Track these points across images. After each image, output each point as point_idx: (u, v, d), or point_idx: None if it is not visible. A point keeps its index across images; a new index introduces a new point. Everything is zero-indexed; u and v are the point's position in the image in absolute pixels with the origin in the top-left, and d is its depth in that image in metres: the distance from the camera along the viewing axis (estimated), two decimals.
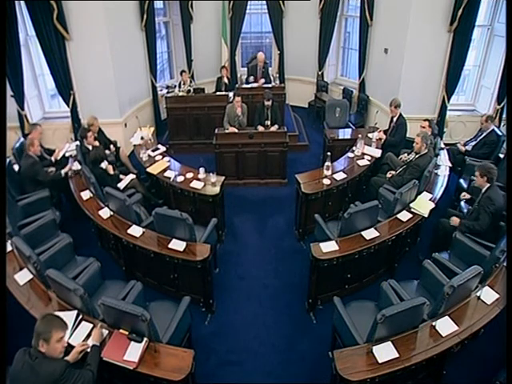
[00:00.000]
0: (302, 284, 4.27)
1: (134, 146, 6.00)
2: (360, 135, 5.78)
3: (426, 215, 4.30)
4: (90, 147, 5.32)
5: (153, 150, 5.75)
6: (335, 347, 3.28)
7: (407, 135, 5.86)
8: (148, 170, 5.34)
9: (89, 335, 2.98)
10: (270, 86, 7.57)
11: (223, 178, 5.06)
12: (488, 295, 3.30)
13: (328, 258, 3.80)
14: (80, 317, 3.14)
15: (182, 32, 8.04)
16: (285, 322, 4.03)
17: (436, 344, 2.96)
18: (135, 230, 4.15)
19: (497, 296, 3.30)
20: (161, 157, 5.62)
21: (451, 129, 7.09)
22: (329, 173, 5.11)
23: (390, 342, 2.95)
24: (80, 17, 6.11)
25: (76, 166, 5.20)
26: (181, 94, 7.23)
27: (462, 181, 5.43)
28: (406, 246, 4.70)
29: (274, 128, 6.32)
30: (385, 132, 6.02)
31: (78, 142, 5.59)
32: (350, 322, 3.20)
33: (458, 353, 3.20)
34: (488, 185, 4.11)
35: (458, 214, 4.49)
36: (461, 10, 5.95)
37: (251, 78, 7.75)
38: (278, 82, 8.23)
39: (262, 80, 7.71)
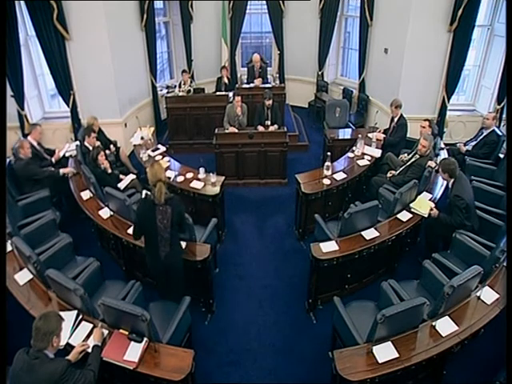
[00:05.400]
0: (302, 284, 4.27)
1: (134, 145, 6.00)
2: (360, 135, 5.78)
3: (426, 215, 4.30)
4: (91, 147, 5.32)
5: (153, 150, 5.75)
6: (335, 347, 3.27)
7: (407, 135, 5.86)
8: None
9: (89, 335, 2.98)
10: (269, 85, 7.57)
11: (223, 178, 5.06)
12: (488, 295, 3.30)
13: (328, 258, 3.80)
14: (80, 317, 3.14)
15: (182, 32, 8.05)
16: (285, 322, 4.03)
17: (436, 344, 2.96)
18: None
19: (497, 296, 3.30)
20: (161, 157, 5.62)
21: (451, 129, 7.09)
22: (329, 173, 5.11)
23: (389, 342, 2.95)
24: (80, 17, 6.11)
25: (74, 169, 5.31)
26: (181, 94, 7.22)
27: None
28: (405, 246, 4.70)
29: (274, 128, 6.33)
30: (385, 131, 6.03)
31: (77, 142, 5.59)
32: (350, 322, 3.19)
33: (458, 353, 3.20)
34: (452, 180, 4.24)
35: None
36: (461, 10, 5.95)
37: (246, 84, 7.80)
38: (277, 81, 8.23)
39: (260, 79, 7.71)
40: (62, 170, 5.19)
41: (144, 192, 3.61)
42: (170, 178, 5.11)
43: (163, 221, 3.28)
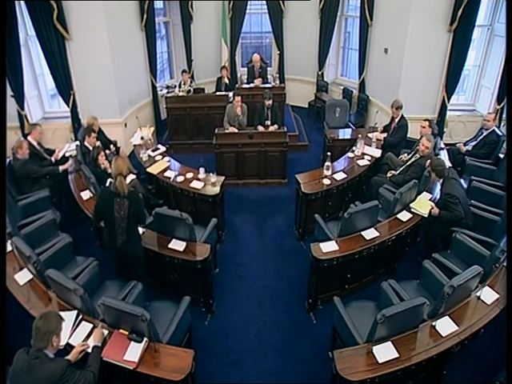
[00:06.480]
0: (302, 284, 4.27)
1: (134, 146, 6.00)
2: (360, 135, 5.78)
3: (426, 215, 4.30)
4: (91, 147, 5.32)
5: (153, 150, 5.75)
6: (335, 347, 3.27)
7: (408, 136, 5.86)
8: (148, 170, 5.34)
9: (89, 335, 2.98)
10: (269, 85, 7.57)
11: (223, 178, 5.06)
12: (488, 295, 3.30)
13: (328, 258, 3.80)
14: (80, 317, 3.14)
15: (182, 32, 8.05)
16: (285, 322, 4.03)
17: (436, 344, 2.96)
18: None
19: (497, 296, 3.30)
20: (161, 157, 5.62)
21: (451, 129, 7.09)
22: (329, 173, 5.11)
23: (389, 342, 2.95)
24: (80, 17, 6.11)
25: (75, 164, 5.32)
26: (181, 94, 7.23)
27: (462, 181, 5.42)
28: (405, 246, 4.70)
29: (274, 128, 6.33)
30: (385, 128, 6.02)
31: (77, 142, 5.59)
32: (350, 322, 3.20)
33: (458, 353, 3.20)
34: (441, 180, 4.34)
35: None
36: (461, 10, 5.96)
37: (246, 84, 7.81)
38: (278, 81, 8.23)
39: (260, 79, 7.72)
40: (61, 167, 5.23)
41: (109, 180, 3.84)
42: (169, 178, 5.13)
43: (120, 211, 3.50)
